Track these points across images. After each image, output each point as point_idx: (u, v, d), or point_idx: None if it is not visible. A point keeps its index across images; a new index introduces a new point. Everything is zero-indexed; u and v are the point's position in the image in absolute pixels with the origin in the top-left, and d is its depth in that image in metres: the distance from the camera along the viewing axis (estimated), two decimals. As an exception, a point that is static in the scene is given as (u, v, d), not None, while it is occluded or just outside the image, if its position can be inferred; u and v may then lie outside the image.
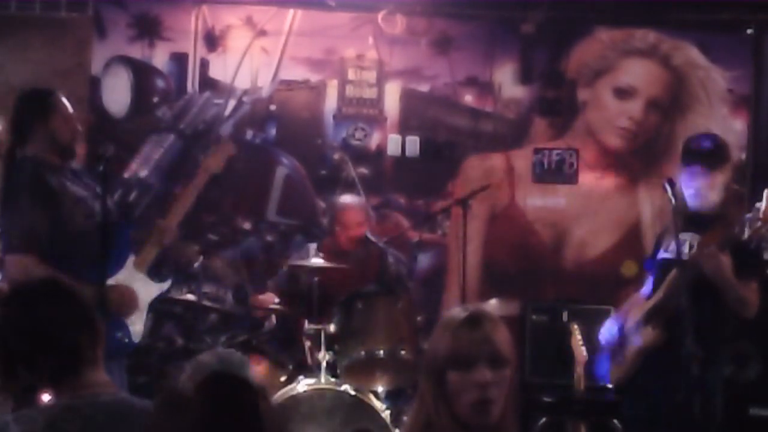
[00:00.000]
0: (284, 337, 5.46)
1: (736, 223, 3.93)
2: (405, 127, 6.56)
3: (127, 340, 4.12)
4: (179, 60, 6.45)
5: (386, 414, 4.67)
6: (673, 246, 3.95)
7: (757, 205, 3.75)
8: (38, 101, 4.23)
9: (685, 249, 4.05)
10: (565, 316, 5.83)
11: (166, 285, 4.44)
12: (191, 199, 4.57)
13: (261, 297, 5.57)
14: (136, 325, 4.19)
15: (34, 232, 4.02)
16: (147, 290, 4.27)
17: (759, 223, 3.73)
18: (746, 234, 3.79)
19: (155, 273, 4.38)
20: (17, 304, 2.46)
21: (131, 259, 4.28)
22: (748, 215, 3.78)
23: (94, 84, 6.32)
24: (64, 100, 4.27)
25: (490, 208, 6.48)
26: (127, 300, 4.16)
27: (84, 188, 4.21)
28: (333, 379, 4.78)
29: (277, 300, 5.50)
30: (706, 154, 4.07)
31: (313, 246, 5.69)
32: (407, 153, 6.51)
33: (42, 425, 2.27)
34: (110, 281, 4.06)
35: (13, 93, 5.74)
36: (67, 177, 4.17)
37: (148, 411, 2.34)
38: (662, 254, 4.23)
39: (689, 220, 4.04)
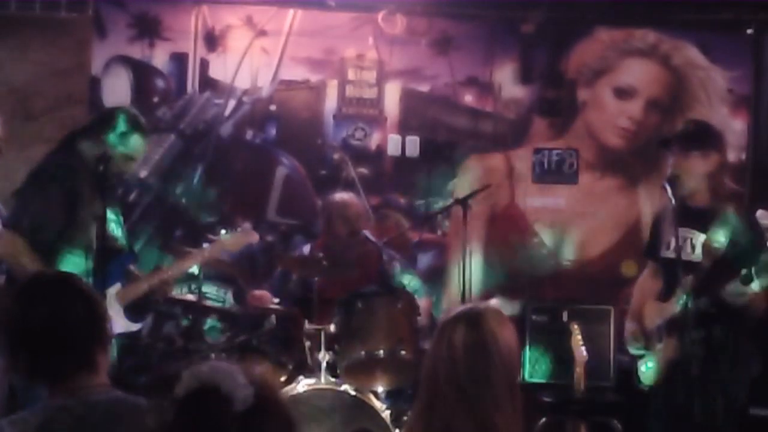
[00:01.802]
0: (284, 337, 5.46)
1: (734, 220, 3.91)
2: (405, 127, 6.55)
3: None
4: (179, 60, 6.45)
5: (386, 414, 4.66)
6: (673, 244, 3.93)
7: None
8: (132, 126, 4.27)
9: (687, 248, 4.02)
10: (565, 316, 5.83)
11: (135, 327, 4.39)
12: (197, 263, 4.59)
13: (257, 293, 5.55)
14: None
15: (41, 221, 4.00)
16: (116, 324, 4.18)
17: None
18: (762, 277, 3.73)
19: (132, 312, 4.31)
20: (28, 298, 2.40)
21: (116, 288, 4.22)
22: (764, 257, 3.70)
23: (94, 84, 6.32)
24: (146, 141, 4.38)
25: (490, 208, 6.48)
26: None
27: (111, 209, 4.18)
28: (333, 379, 4.77)
29: (276, 300, 5.50)
30: (683, 135, 4.04)
31: (307, 247, 5.69)
32: (407, 153, 6.51)
33: (34, 426, 2.26)
34: None
35: (13, 93, 5.78)
36: (95, 192, 4.13)
37: (141, 408, 2.33)
38: (665, 253, 4.20)
39: (685, 215, 4.00)
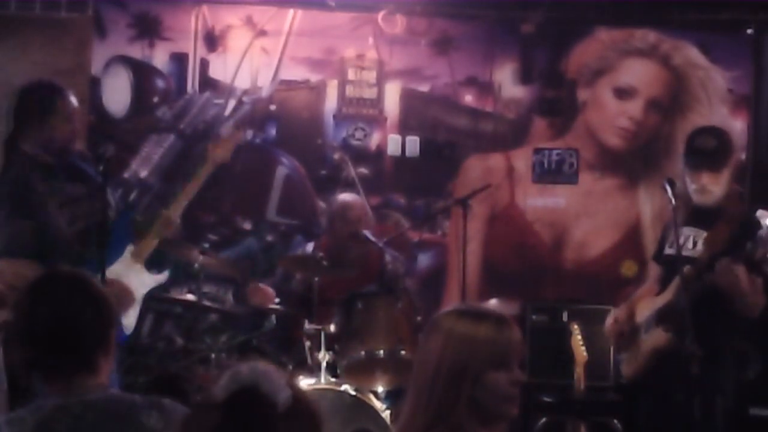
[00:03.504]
0: (284, 337, 5.46)
1: (738, 218, 3.91)
2: (405, 127, 6.56)
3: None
4: (179, 60, 6.45)
5: (386, 414, 4.66)
6: (674, 242, 3.94)
7: (765, 224, 3.67)
8: (40, 97, 4.17)
9: (689, 245, 4.03)
10: (565, 316, 5.83)
11: (162, 277, 4.39)
12: (195, 190, 4.54)
13: (262, 286, 5.54)
14: (129, 318, 4.15)
15: (17, 239, 3.98)
16: (143, 282, 4.21)
17: None
18: (758, 254, 3.73)
19: (153, 264, 4.32)
20: (38, 296, 2.39)
21: (129, 249, 4.22)
22: (760, 232, 3.70)
23: (94, 84, 6.31)
24: (70, 98, 4.20)
25: (490, 208, 6.48)
26: (121, 298, 4.11)
27: (80, 186, 4.15)
28: (333, 379, 4.77)
29: (277, 299, 5.50)
30: (712, 152, 4.04)
31: (309, 245, 5.70)
32: (407, 153, 6.51)
33: (31, 426, 2.26)
34: (107, 273, 4.02)
35: (13, 93, 5.75)
36: (59, 177, 4.10)
37: (137, 406, 2.33)
38: (666, 250, 4.22)
39: (692, 215, 4.01)
